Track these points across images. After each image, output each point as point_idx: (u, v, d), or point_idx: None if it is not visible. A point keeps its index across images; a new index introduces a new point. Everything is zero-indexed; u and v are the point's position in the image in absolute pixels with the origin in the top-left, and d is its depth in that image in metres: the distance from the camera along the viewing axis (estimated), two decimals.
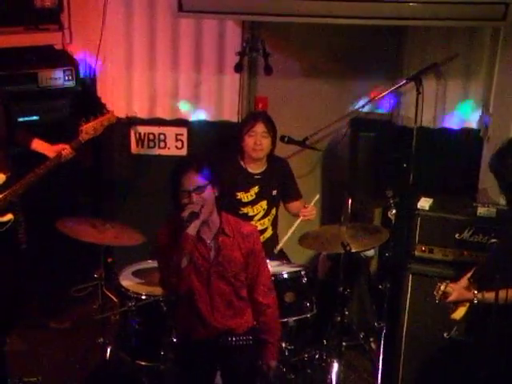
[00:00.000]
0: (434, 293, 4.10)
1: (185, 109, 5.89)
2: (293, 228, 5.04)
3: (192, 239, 3.77)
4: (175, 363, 4.36)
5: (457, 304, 4.11)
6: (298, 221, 5.05)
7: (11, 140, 5.03)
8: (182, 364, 4.15)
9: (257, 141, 5.01)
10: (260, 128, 5.03)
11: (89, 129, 5.02)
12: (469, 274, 4.22)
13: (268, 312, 4.07)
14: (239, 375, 4.09)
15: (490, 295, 3.93)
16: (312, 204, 5.06)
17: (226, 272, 3.93)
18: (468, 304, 4.06)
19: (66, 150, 4.95)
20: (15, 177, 4.91)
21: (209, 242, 3.92)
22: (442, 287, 4.06)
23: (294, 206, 5.26)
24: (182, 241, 3.75)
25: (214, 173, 3.89)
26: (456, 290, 4.07)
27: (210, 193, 3.84)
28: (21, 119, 5.44)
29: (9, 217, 4.93)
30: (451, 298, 4.08)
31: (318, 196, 5.15)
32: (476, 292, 3.97)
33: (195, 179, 3.80)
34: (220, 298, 3.95)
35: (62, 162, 4.94)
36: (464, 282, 4.18)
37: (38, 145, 5.05)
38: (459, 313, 4.09)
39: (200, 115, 5.90)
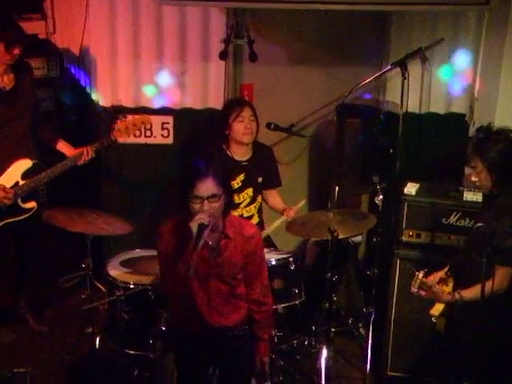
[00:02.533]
0: (412, 282, 4.06)
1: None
2: (276, 223, 5.07)
3: (199, 250, 3.64)
4: (166, 352, 4.36)
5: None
6: (282, 219, 5.07)
7: (38, 133, 5.14)
8: (176, 354, 4.11)
9: (247, 125, 5.03)
10: (247, 112, 5.05)
11: (122, 127, 5.03)
12: (446, 269, 4.22)
13: (263, 309, 4.02)
14: (235, 365, 4.05)
15: (467, 293, 3.95)
16: (297, 207, 5.09)
17: (224, 273, 3.85)
18: None
19: (88, 152, 5.02)
20: (43, 165, 5.00)
21: (210, 243, 3.78)
22: (421, 275, 4.00)
23: (272, 194, 5.28)
24: (190, 253, 3.61)
25: (227, 180, 3.80)
26: (431, 289, 4.02)
27: (219, 204, 3.69)
28: None
29: (32, 204, 4.98)
30: (424, 295, 4.03)
31: (304, 201, 5.18)
32: (453, 292, 3.99)
33: (211, 187, 3.63)
34: (217, 296, 3.89)
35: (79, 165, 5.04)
36: (441, 274, 4.18)
37: (63, 146, 5.15)
38: (438, 308, 4.07)
39: (185, 103, 5.87)
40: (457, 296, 3.97)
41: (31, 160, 4.98)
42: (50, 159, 5.10)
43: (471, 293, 3.93)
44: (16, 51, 4.83)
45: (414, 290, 4.01)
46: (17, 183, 4.93)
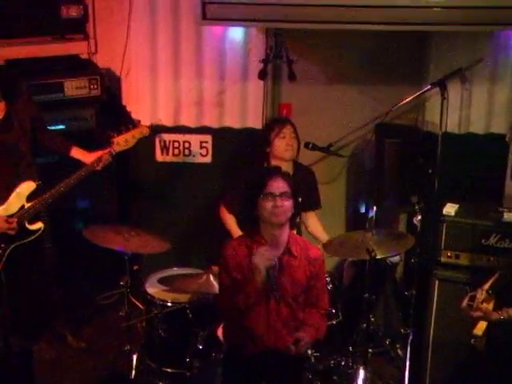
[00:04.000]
0: (468, 302, 4.01)
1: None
2: None
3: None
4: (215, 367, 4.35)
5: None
6: None
7: (49, 147, 5.15)
8: (228, 377, 4.08)
9: (288, 141, 5.10)
10: (289, 129, 5.13)
11: (121, 140, 5.06)
12: (486, 286, 4.14)
13: (319, 326, 4.06)
14: None
15: None
16: None
17: (286, 293, 3.87)
18: None
19: (105, 155, 5.00)
20: (44, 186, 4.99)
21: (273, 263, 3.81)
22: (480, 295, 3.97)
23: (311, 216, 5.26)
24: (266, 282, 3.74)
25: (295, 187, 3.93)
26: (481, 307, 3.99)
27: (290, 204, 3.84)
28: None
29: (39, 225, 5.00)
30: (476, 314, 4.00)
31: None
32: (500, 312, 3.92)
33: (283, 185, 3.85)
34: (277, 318, 3.89)
35: (96, 171, 5.01)
36: (482, 294, 4.11)
37: (78, 152, 5.13)
38: (481, 327, 4.00)
39: (224, 122, 5.90)
40: (505, 314, 3.92)
41: (34, 182, 4.95)
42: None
43: None
44: None
45: (466, 304, 3.99)
46: (22, 207, 4.90)
